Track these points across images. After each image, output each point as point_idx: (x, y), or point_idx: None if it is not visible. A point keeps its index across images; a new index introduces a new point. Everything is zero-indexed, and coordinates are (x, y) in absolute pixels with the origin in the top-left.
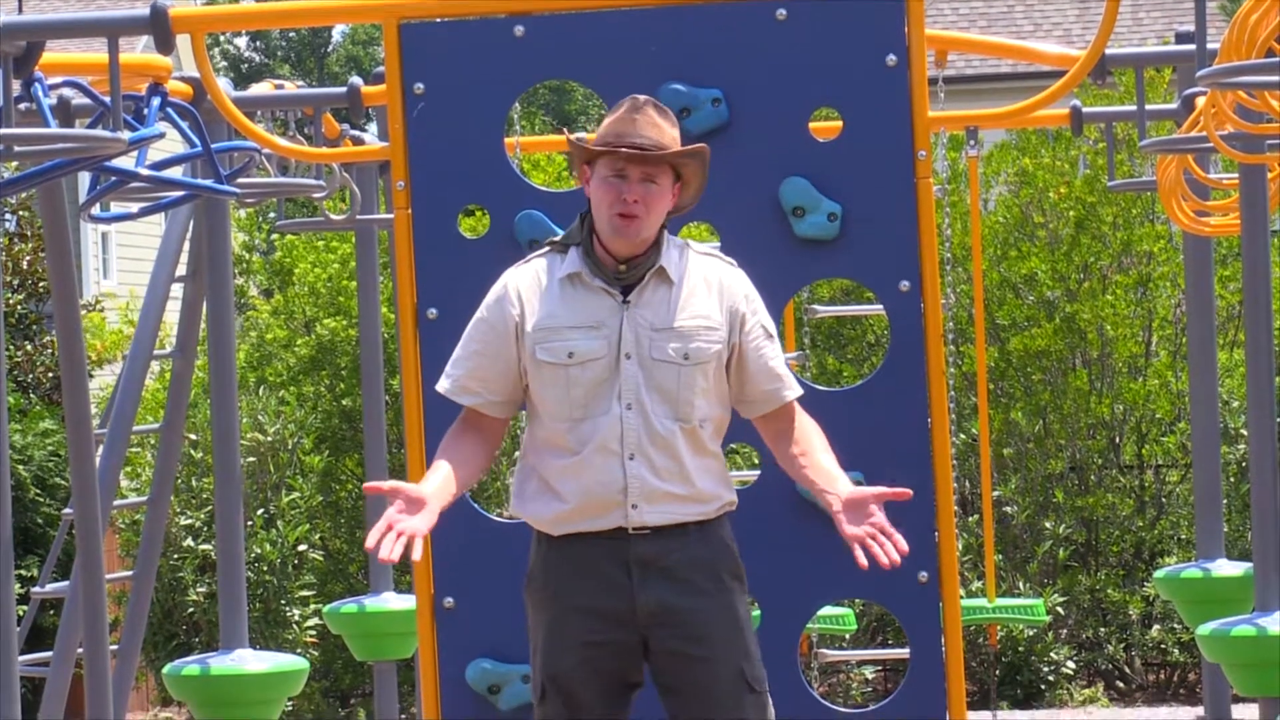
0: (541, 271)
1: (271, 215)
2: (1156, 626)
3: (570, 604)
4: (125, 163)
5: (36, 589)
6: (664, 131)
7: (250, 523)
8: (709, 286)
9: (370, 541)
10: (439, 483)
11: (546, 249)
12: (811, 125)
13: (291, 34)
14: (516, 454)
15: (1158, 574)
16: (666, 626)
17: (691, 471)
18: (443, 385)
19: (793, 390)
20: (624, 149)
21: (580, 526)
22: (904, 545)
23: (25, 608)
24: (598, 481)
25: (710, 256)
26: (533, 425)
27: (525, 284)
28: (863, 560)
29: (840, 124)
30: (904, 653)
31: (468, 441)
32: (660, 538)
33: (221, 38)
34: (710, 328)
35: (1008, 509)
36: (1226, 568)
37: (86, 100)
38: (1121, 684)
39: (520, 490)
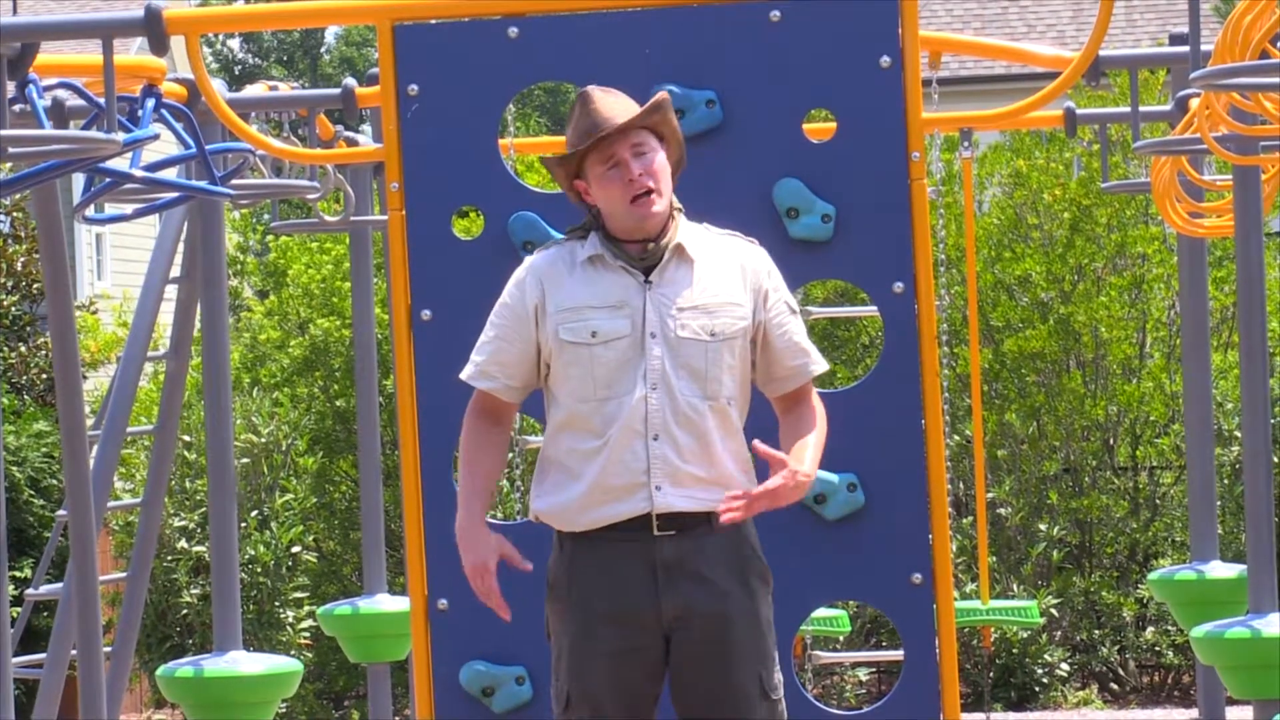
0: (564, 256)
1: (266, 216)
2: (1150, 628)
3: (595, 612)
4: (120, 164)
5: (30, 590)
6: (623, 105)
7: (244, 524)
8: (730, 264)
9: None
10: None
11: (566, 237)
12: (805, 126)
13: (284, 35)
14: (511, 456)
15: (1152, 576)
16: (689, 628)
17: (718, 453)
18: (465, 372)
19: (819, 365)
20: (601, 135)
21: (602, 514)
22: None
23: (19, 609)
24: (621, 462)
25: (730, 236)
26: (554, 412)
27: (546, 268)
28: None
29: (834, 125)
30: (898, 655)
31: (488, 441)
32: (685, 536)
33: (214, 40)
34: (734, 304)
35: (1002, 511)
36: (1220, 570)
37: (81, 102)
38: (1115, 686)
39: (538, 489)
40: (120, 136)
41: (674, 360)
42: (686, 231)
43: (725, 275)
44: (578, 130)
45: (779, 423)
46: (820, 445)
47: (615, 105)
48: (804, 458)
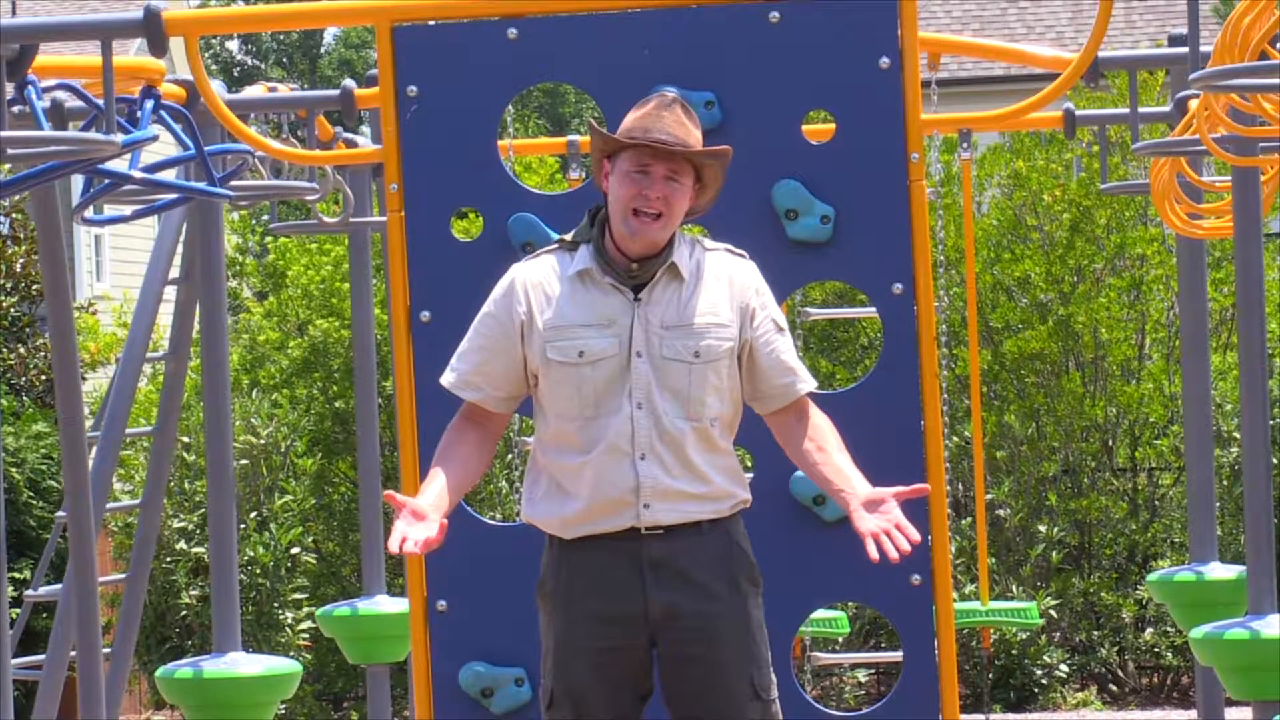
0: (551, 268)
1: (265, 218)
2: (1149, 630)
3: (582, 611)
4: (119, 165)
5: (29, 592)
6: (690, 131)
7: (243, 525)
8: (719, 282)
9: (393, 548)
10: (435, 496)
11: (555, 246)
12: (804, 128)
13: (283, 37)
14: (510, 457)
15: (1151, 577)
16: (677, 630)
17: (704, 469)
18: (447, 379)
19: (806, 384)
20: (650, 143)
21: (592, 528)
22: (915, 535)
23: (18, 611)
24: (609, 482)
25: (720, 251)
26: (541, 424)
27: (534, 281)
28: (873, 554)
29: (833, 126)
30: (897, 656)
31: (469, 441)
32: (673, 537)
33: (213, 41)
34: (720, 324)
35: (1001, 512)
36: (1219, 571)
37: (80, 103)
38: (1114, 687)
39: (530, 494)
40: (119, 138)
41: (659, 380)
42: (680, 250)
43: (713, 294)
44: (639, 125)
45: (780, 437)
46: (850, 459)
47: (683, 128)
48: (856, 485)
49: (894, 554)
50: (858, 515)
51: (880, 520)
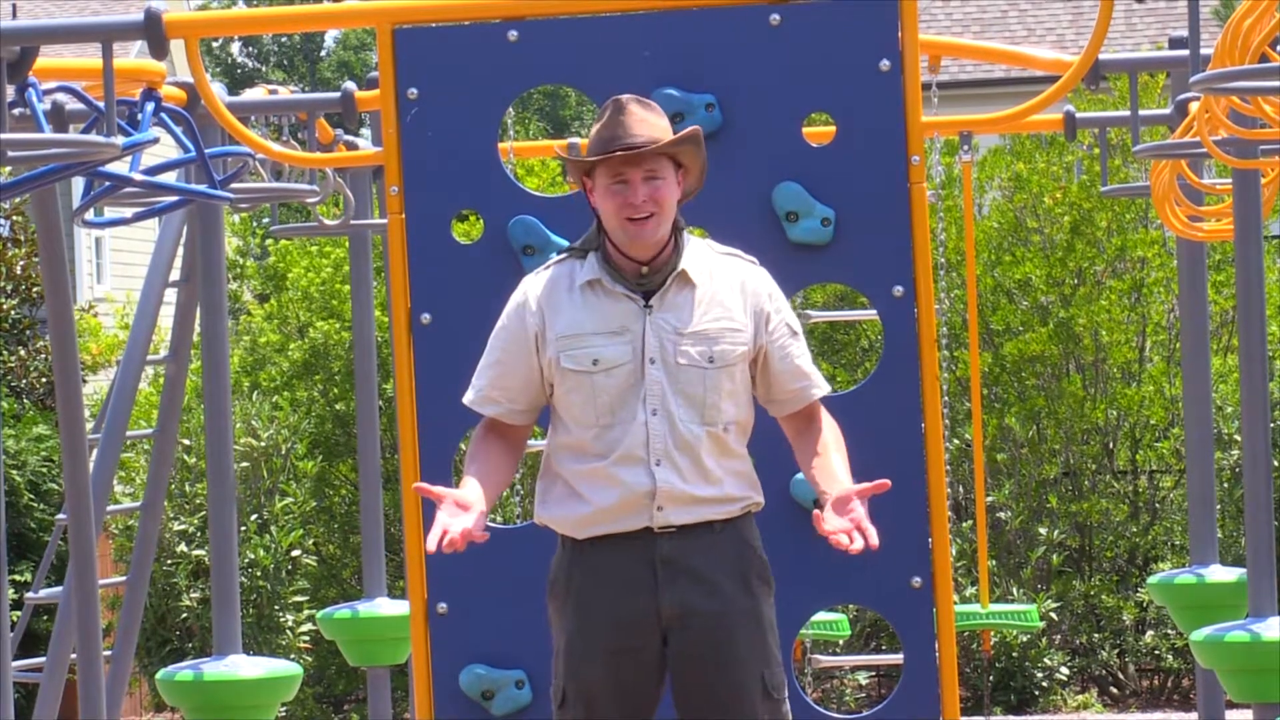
0: (561, 278)
1: (265, 220)
2: (1150, 632)
3: (594, 612)
4: (119, 168)
5: (30, 594)
6: (654, 125)
7: (244, 528)
8: (731, 287)
9: (431, 547)
10: (476, 488)
11: (564, 256)
12: (805, 130)
13: (283, 39)
14: None
15: (1151, 580)
16: (688, 629)
17: (719, 475)
18: (467, 397)
19: (820, 388)
20: (618, 151)
21: (606, 529)
22: (874, 540)
23: (19, 613)
24: (625, 487)
25: (731, 256)
26: (556, 432)
27: (545, 292)
28: (840, 542)
29: (834, 129)
30: (898, 658)
31: (495, 451)
32: (685, 536)
33: (214, 44)
34: (735, 329)
35: (1001, 514)
36: (1220, 573)
37: (81, 105)
38: (1115, 690)
39: (544, 496)
40: (120, 140)
41: (673, 386)
42: (689, 256)
43: (726, 299)
44: (600, 136)
45: (791, 443)
46: (845, 462)
47: (644, 124)
48: (835, 489)
49: (852, 549)
50: (825, 517)
51: (841, 522)
